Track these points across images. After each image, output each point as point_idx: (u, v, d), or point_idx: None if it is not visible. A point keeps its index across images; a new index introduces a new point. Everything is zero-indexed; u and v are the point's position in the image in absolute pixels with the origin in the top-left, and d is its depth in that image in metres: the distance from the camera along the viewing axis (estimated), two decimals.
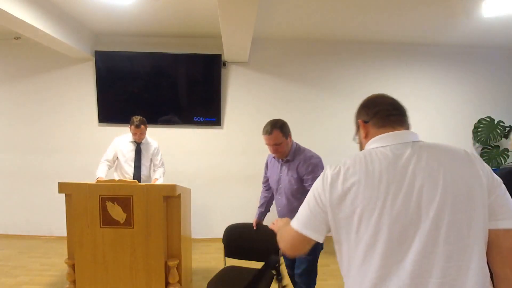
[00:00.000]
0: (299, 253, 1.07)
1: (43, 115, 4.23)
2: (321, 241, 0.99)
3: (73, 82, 4.21)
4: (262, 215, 2.50)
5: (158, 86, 4.17)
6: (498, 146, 4.52)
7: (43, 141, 4.26)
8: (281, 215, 2.27)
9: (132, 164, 3.25)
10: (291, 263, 2.43)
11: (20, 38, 4.08)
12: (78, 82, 4.21)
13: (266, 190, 2.49)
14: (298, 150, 2.21)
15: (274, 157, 2.30)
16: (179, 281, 2.45)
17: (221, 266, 2.51)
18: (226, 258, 2.57)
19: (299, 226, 1.01)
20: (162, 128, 4.27)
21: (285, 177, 2.20)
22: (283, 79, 4.35)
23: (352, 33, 4.02)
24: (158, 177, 3.31)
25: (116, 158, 3.25)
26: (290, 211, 2.18)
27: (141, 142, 3.27)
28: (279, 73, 4.34)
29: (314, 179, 1.46)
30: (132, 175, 3.24)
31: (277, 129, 2.11)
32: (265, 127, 2.17)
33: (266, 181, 2.47)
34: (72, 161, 4.24)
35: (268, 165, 2.40)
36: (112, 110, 4.16)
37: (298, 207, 1.72)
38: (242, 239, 2.50)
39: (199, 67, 4.19)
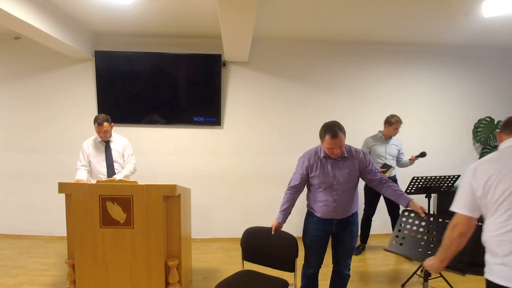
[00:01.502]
0: (469, 235, 1.50)
1: (43, 115, 4.23)
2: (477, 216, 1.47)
3: (73, 82, 4.21)
4: (286, 217, 2.42)
5: (158, 86, 4.17)
6: (498, 146, 4.51)
7: (43, 141, 4.25)
8: (338, 210, 2.26)
9: (104, 164, 3.19)
10: (317, 262, 2.40)
11: (20, 38, 4.08)
12: (78, 82, 4.21)
13: (295, 191, 2.41)
14: (350, 149, 2.33)
15: (324, 156, 2.27)
16: (179, 281, 2.46)
17: (221, 266, 2.51)
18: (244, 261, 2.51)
19: (461, 210, 1.48)
20: (162, 128, 4.27)
21: (342, 172, 2.26)
22: (283, 79, 4.35)
23: (352, 33, 4.02)
24: (121, 175, 3.14)
25: (89, 161, 3.21)
26: (348, 203, 2.31)
27: (109, 140, 3.23)
28: (279, 73, 4.34)
29: (371, 163, 2.34)
30: (107, 175, 3.18)
31: (341, 132, 2.15)
32: (329, 130, 2.13)
33: (300, 182, 2.37)
34: (72, 161, 4.20)
35: (311, 166, 2.30)
36: (112, 110, 4.12)
37: (353, 197, 2.38)
38: (259, 244, 2.42)
39: (199, 67, 4.19)
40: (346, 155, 2.26)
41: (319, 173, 2.28)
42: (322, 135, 2.20)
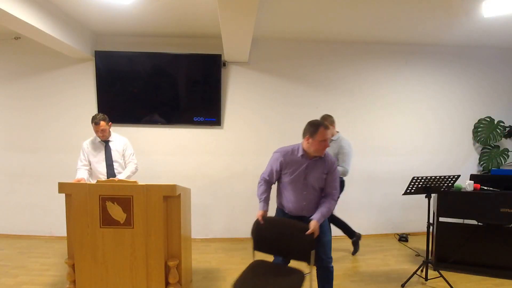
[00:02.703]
0: None
1: (43, 115, 4.23)
2: None
3: (73, 82, 4.21)
4: (268, 204, 2.45)
5: (158, 86, 4.17)
6: (498, 146, 4.52)
7: (43, 141, 4.25)
8: (308, 209, 2.32)
9: (104, 163, 3.19)
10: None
11: (20, 38, 4.08)
12: (78, 82, 4.21)
13: (269, 183, 2.48)
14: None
15: (302, 155, 2.30)
16: (179, 281, 2.46)
17: (221, 266, 2.50)
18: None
19: None
20: (162, 128, 4.27)
21: (315, 174, 2.30)
22: (283, 79, 4.35)
23: (352, 33, 4.02)
24: (124, 175, 3.16)
25: (89, 161, 3.21)
26: (317, 204, 2.34)
27: (108, 140, 3.23)
28: (279, 73, 4.34)
29: (337, 176, 2.34)
30: (106, 175, 3.18)
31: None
32: (320, 123, 2.22)
33: (273, 176, 2.43)
34: (72, 161, 4.21)
35: (286, 163, 2.35)
36: (112, 110, 4.14)
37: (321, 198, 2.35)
38: (271, 233, 2.39)
39: (199, 67, 4.19)
40: (322, 155, 2.30)
41: (292, 171, 2.33)
42: (313, 130, 2.22)
